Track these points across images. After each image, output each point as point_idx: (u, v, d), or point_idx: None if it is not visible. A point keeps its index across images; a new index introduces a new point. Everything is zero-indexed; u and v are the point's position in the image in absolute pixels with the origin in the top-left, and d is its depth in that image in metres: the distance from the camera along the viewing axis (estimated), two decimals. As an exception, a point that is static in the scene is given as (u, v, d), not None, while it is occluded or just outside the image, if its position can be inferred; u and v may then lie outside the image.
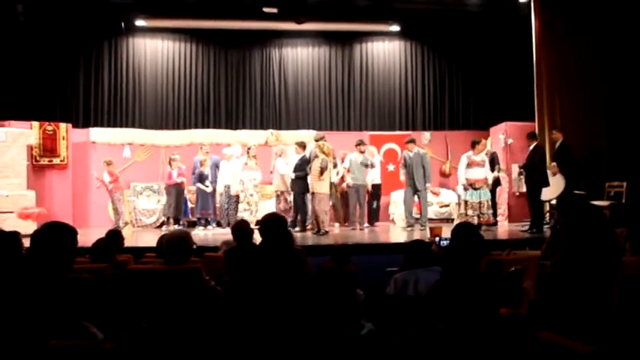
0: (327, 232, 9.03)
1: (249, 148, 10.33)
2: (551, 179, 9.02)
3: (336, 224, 10.51)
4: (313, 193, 9.18)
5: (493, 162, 10.02)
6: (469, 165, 9.41)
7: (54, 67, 11.79)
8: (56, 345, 1.52)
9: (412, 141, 10.14)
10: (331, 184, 9.72)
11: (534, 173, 8.98)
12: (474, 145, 9.54)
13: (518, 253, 5.04)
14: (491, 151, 10.43)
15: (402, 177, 10.06)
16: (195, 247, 4.11)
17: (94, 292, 2.65)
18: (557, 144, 9.41)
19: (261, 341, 3.27)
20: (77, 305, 2.21)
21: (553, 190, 9.03)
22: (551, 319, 2.49)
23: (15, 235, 3.70)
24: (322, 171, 9.10)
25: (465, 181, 9.39)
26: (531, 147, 9.13)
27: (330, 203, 9.90)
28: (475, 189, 9.29)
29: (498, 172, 10.04)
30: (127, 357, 2.31)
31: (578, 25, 10.05)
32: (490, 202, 9.36)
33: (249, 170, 10.04)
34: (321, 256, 4.86)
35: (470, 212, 9.23)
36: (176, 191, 10.20)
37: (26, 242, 3.77)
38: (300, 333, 3.31)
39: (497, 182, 10.05)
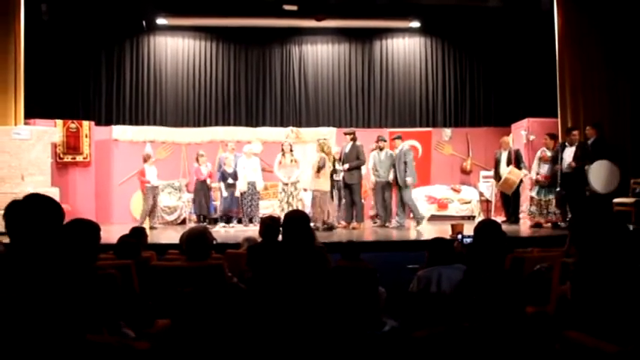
0: (331, 228, 9.21)
1: (283, 145, 10.07)
2: (601, 170, 8.82)
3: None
4: (313, 191, 9.41)
5: (518, 160, 9.97)
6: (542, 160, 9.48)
7: (77, 65, 11.95)
8: (91, 340, 1.54)
9: (398, 138, 9.99)
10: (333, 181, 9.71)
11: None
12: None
13: (539, 250, 4.98)
14: (515, 148, 10.32)
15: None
16: (215, 242, 4.13)
17: (119, 288, 2.68)
18: (591, 140, 9.25)
19: (284, 337, 3.28)
20: (104, 301, 2.24)
21: (609, 181, 8.82)
22: (577, 318, 2.47)
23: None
24: (319, 169, 9.33)
25: (535, 177, 9.51)
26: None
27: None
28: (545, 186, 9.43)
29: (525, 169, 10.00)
30: (158, 355, 2.33)
31: (601, 20, 9.89)
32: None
33: (283, 168, 9.84)
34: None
35: (544, 210, 9.35)
36: (205, 188, 10.24)
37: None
38: (322, 330, 3.32)
39: (521, 180, 9.98)
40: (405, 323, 3.86)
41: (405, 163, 9.60)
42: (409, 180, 9.60)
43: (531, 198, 9.70)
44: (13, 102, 9.66)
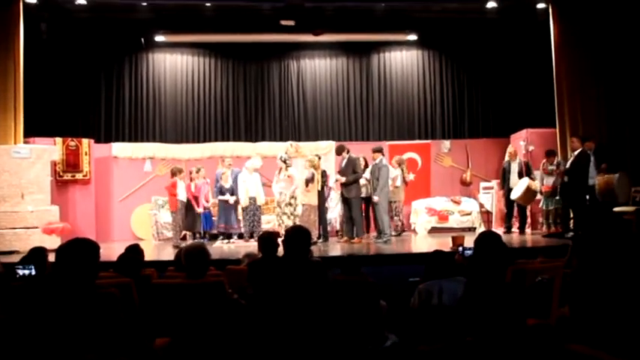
0: (315, 242, 9.17)
1: (283, 160, 10.10)
2: (613, 182, 8.66)
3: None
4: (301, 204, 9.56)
5: (529, 171, 10.00)
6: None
7: (76, 84, 11.99)
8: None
9: (378, 150, 9.63)
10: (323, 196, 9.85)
11: (579, 179, 8.89)
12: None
13: (540, 261, 4.97)
14: (524, 160, 10.34)
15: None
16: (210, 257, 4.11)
17: (120, 307, 2.67)
18: (592, 152, 9.22)
19: (286, 353, 3.27)
20: (105, 320, 2.24)
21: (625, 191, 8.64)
22: (578, 330, 2.45)
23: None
24: (307, 183, 9.51)
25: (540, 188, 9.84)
26: (576, 153, 9.11)
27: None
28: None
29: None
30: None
31: (597, 30, 9.95)
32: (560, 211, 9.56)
33: (277, 183, 9.91)
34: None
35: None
36: (191, 206, 10.09)
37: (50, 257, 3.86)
38: (324, 345, 3.30)
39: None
40: (407, 337, 3.84)
41: (378, 179, 9.27)
42: (375, 198, 9.25)
43: (540, 209, 9.94)
44: (12, 121, 9.70)
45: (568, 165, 9.22)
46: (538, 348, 2.04)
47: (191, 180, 10.15)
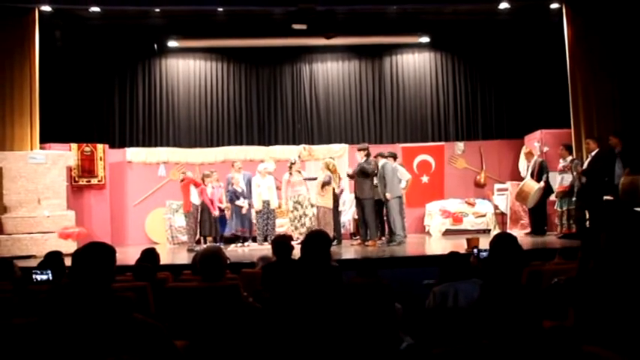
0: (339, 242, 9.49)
1: (293, 164, 10.33)
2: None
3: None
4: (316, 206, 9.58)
5: (541, 171, 9.92)
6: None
7: (90, 90, 12.10)
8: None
9: (379, 155, 9.74)
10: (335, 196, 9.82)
11: (597, 180, 8.79)
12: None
13: (556, 262, 4.93)
14: (539, 160, 10.27)
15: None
16: (229, 261, 4.14)
17: (136, 310, 2.69)
18: (618, 150, 9.07)
19: (301, 356, 3.27)
20: (121, 324, 2.25)
21: None
22: (592, 331, 2.43)
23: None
24: (323, 185, 9.51)
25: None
26: (593, 153, 9.01)
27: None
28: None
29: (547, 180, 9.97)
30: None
31: (611, 30, 9.87)
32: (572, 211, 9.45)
33: (291, 187, 10.05)
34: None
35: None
36: (206, 208, 10.20)
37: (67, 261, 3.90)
38: (340, 347, 3.30)
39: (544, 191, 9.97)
40: (422, 339, 3.83)
41: (384, 178, 9.35)
42: (388, 195, 9.29)
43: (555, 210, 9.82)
44: (29, 127, 9.82)
45: (585, 166, 9.13)
46: (554, 350, 2.02)
47: (205, 184, 10.20)
